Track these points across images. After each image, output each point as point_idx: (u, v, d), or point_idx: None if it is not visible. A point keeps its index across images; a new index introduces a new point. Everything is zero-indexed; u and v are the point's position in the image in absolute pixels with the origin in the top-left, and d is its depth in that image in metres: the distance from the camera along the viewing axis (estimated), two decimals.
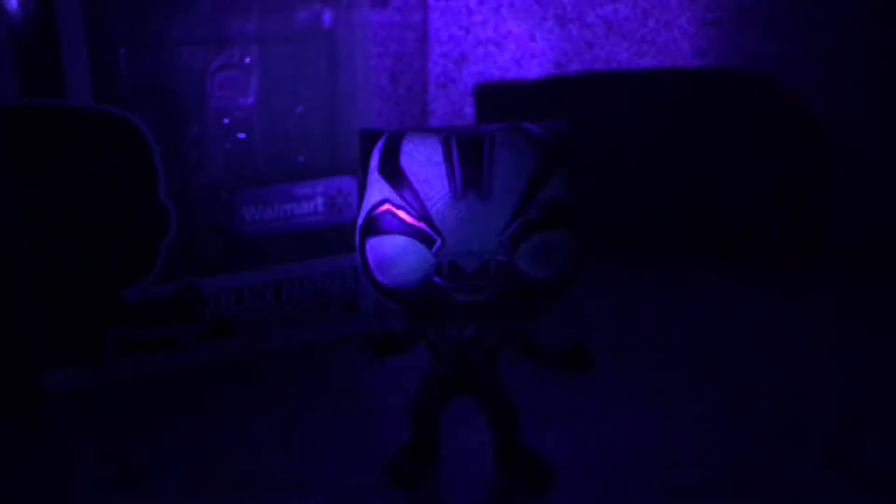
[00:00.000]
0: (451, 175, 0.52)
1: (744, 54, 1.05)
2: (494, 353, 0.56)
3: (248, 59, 0.72)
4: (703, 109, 1.08)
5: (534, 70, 1.07)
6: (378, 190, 0.54)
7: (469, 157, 0.53)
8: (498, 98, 1.08)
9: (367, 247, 0.54)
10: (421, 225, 0.52)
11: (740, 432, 0.62)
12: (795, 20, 1.03)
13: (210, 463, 0.58)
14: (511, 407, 0.57)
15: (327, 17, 0.74)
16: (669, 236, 1.10)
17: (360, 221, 0.55)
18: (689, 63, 1.06)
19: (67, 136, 0.65)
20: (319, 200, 0.76)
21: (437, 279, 0.51)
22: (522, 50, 1.07)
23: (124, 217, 0.69)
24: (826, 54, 1.04)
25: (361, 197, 0.56)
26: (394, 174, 0.53)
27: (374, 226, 0.53)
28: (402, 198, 0.52)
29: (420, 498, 0.54)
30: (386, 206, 0.53)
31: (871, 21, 1.02)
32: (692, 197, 1.11)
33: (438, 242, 0.52)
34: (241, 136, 0.74)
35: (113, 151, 0.67)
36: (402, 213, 0.52)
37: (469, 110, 1.08)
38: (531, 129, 0.55)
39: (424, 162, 0.53)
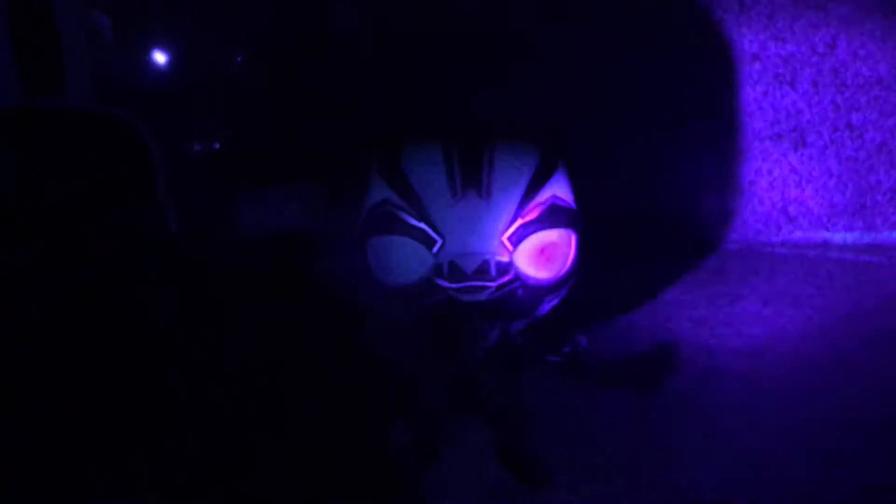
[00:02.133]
0: (450, 176, 0.52)
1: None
2: (494, 353, 0.56)
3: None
4: None
5: None
6: (378, 190, 0.54)
7: (469, 158, 0.53)
8: None
9: (368, 247, 0.54)
10: (421, 225, 0.52)
11: None
12: None
13: None
14: (511, 407, 0.57)
15: None
16: None
17: (360, 222, 0.55)
18: None
19: (68, 136, 0.65)
20: None
21: (437, 279, 0.52)
22: None
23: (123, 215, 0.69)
24: None
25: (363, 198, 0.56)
26: (394, 175, 0.54)
27: (375, 226, 0.54)
28: (403, 198, 0.53)
29: (419, 496, 0.54)
30: (387, 207, 0.54)
31: None
32: None
33: (439, 243, 0.52)
34: None
35: (113, 151, 0.67)
36: (402, 214, 0.53)
37: None
38: (530, 130, 0.56)
39: (424, 163, 0.53)
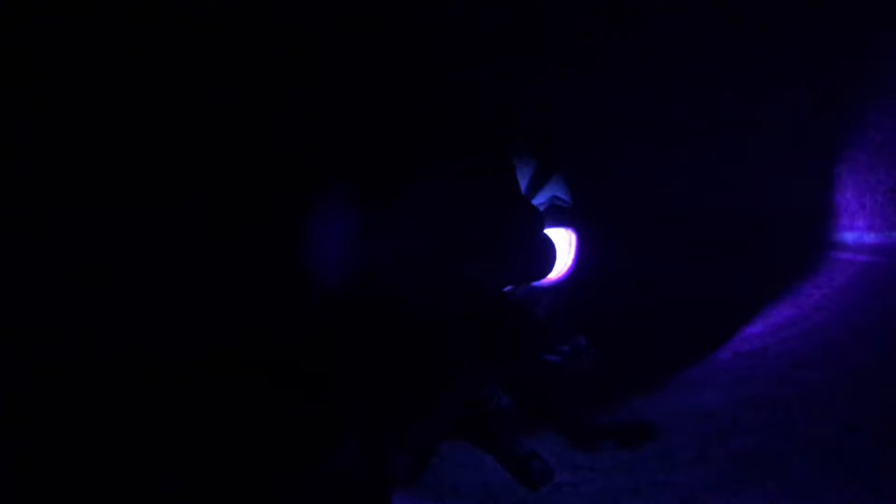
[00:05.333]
0: None
1: None
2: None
3: None
4: None
5: None
6: None
7: None
8: None
9: None
10: None
11: None
12: None
13: None
14: (511, 407, 0.56)
15: None
16: None
17: None
18: None
19: None
20: None
21: None
22: None
23: None
24: None
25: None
26: None
27: None
28: None
29: (421, 496, 0.54)
30: None
31: None
32: None
33: None
34: None
35: None
36: None
37: None
38: (531, 133, 0.56)
39: None
